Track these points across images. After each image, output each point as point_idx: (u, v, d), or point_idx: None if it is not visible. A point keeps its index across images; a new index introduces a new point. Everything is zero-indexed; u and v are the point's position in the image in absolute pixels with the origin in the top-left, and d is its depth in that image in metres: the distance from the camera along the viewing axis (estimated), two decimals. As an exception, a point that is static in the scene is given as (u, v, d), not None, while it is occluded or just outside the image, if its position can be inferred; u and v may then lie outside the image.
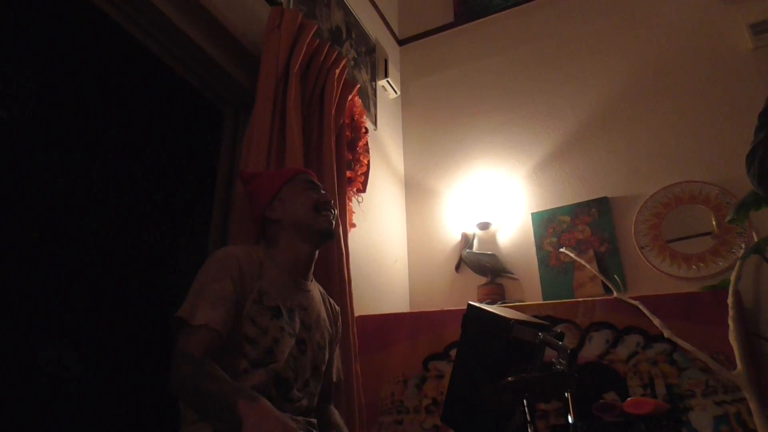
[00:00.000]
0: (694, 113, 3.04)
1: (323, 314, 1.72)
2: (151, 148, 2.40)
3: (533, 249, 3.14)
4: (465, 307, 1.77)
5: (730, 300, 2.24)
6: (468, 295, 3.12)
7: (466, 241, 3.29)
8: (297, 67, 2.34)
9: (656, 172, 3.00)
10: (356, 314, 2.67)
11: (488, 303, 2.90)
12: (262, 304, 1.50)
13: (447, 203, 3.53)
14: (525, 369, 1.58)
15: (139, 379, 1.89)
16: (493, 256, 3.17)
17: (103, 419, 1.76)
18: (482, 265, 3.14)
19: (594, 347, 2.38)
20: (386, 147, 3.59)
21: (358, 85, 2.77)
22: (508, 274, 3.13)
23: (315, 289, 1.74)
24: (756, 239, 2.55)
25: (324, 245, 1.75)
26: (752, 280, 2.58)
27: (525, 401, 1.36)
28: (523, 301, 2.93)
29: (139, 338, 1.97)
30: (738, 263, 2.34)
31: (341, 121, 2.64)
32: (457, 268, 3.31)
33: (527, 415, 1.34)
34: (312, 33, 2.47)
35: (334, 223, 1.72)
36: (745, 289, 2.55)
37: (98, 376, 1.85)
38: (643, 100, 3.20)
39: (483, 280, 3.14)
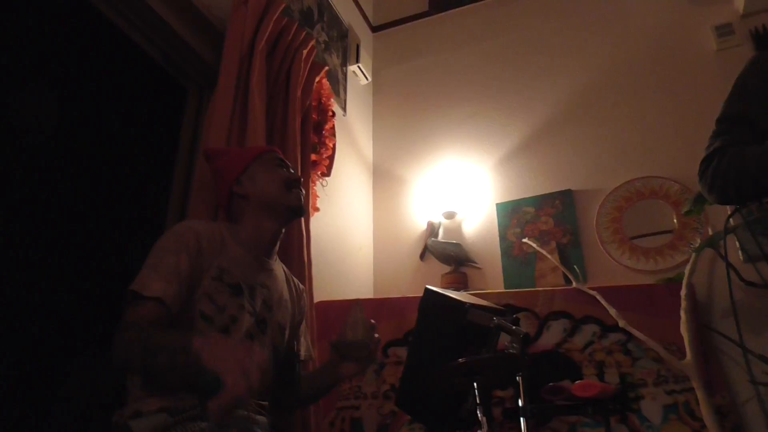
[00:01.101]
0: (658, 111, 3.09)
1: (286, 294, 1.70)
2: (112, 123, 2.35)
3: (497, 239, 3.16)
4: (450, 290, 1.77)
5: (683, 292, 2.29)
6: (432, 283, 3.06)
7: (432, 229, 3.29)
8: (263, 44, 2.30)
9: (620, 166, 3.04)
10: (318, 300, 2.66)
11: (452, 291, 2.91)
12: (221, 281, 1.47)
13: (414, 192, 3.53)
14: (479, 353, 1.59)
15: (92, 355, 1.85)
16: (457, 245, 3.18)
17: (50, 395, 1.72)
18: (447, 253, 3.14)
19: (552, 336, 2.41)
20: (355, 133, 3.57)
21: (327, 67, 2.74)
22: (472, 263, 3.15)
23: (279, 268, 1.71)
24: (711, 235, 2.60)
25: (291, 223, 1.72)
26: (706, 275, 2.64)
27: (476, 384, 1.36)
28: (486, 290, 2.95)
29: (94, 312, 1.93)
30: (692, 257, 2.38)
31: (308, 103, 2.61)
32: (422, 256, 3.31)
33: (477, 398, 1.34)
34: (280, 10, 2.43)
35: (303, 200, 1.71)
36: (699, 283, 2.61)
37: (50, 350, 1.81)
38: (609, 97, 3.24)
39: (447, 268, 3.15)
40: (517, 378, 1.46)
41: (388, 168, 3.68)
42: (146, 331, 1.22)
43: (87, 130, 2.22)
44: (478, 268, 3.14)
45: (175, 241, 1.43)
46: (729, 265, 2.35)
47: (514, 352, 1.44)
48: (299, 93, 2.53)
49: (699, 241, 2.68)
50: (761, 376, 2.17)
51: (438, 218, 3.32)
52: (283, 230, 1.67)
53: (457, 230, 3.31)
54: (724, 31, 3.05)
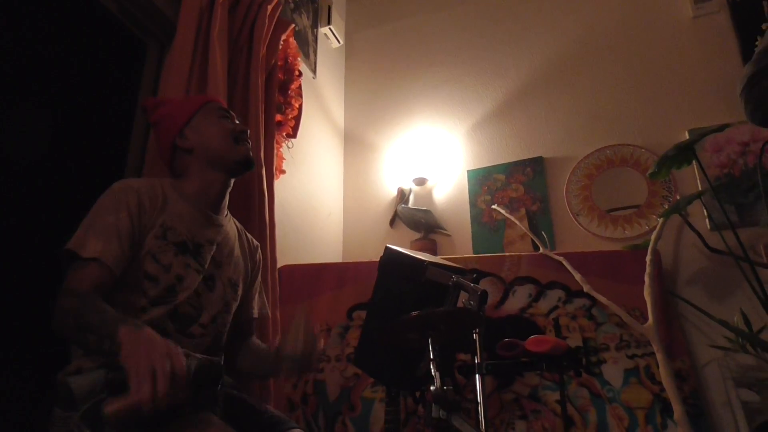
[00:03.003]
0: (632, 78, 3.06)
1: (237, 250, 1.64)
2: (66, 78, 2.25)
3: (467, 206, 3.13)
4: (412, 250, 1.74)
5: (648, 258, 2.28)
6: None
7: (402, 196, 3.25)
8: (224, -2, 2.21)
9: (591, 134, 3.02)
10: (283, 263, 2.62)
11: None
12: (165, 239, 1.41)
13: (385, 158, 3.47)
14: (437, 311, 1.56)
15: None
16: (427, 211, 3.15)
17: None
18: (416, 220, 3.11)
19: (517, 300, 2.39)
20: (326, 97, 3.49)
21: (293, 25, 2.65)
22: (442, 230, 3.12)
23: (229, 223, 1.65)
24: (680, 202, 2.59)
25: (241, 176, 1.65)
26: (673, 242, 2.64)
27: (430, 340, 1.33)
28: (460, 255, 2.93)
29: (43, 273, 1.86)
30: (659, 223, 2.37)
31: (273, 62, 2.53)
32: (392, 222, 3.27)
33: (431, 354, 1.31)
34: (243, -37, 2.34)
35: (251, 153, 1.64)
36: (666, 251, 2.61)
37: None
38: (583, 63, 3.20)
39: (416, 235, 3.12)
40: (474, 335, 1.44)
41: (360, 133, 3.62)
42: (81, 304, 1.17)
43: (41, 85, 2.12)
44: (448, 235, 3.11)
45: (114, 200, 1.37)
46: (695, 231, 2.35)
47: (472, 308, 1.42)
48: (263, 50, 2.45)
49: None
50: (721, 341, 2.18)
51: (408, 184, 3.28)
52: (231, 183, 1.61)
53: (427, 197, 3.28)
54: (700, -2, 3.01)
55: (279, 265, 2.58)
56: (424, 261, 1.59)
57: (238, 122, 1.65)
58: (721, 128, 2.10)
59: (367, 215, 3.37)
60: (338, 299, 2.47)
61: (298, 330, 1.48)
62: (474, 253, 2.98)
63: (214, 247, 1.53)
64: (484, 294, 1.44)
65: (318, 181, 3.21)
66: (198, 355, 1.41)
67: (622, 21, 3.19)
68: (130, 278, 1.34)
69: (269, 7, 2.47)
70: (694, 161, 2.25)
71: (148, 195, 1.42)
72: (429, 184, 3.28)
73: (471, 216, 3.09)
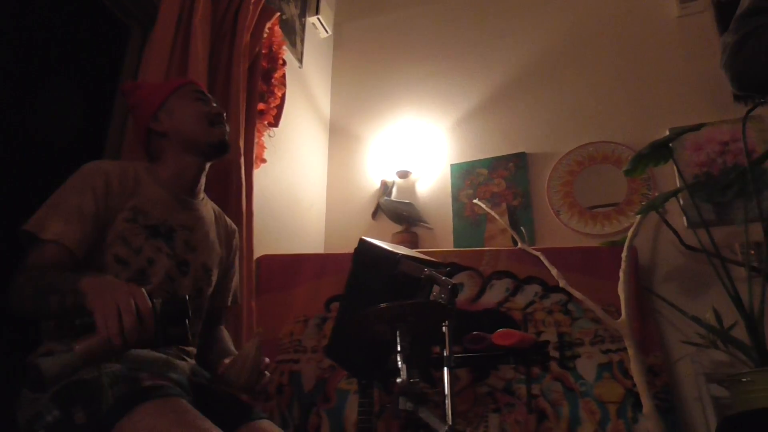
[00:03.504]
0: (616, 75, 3.07)
1: (213, 234, 1.63)
2: (49, 60, 2.22)
3: (449, 200, 3.14)
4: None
5: (624, 254, 2.30)
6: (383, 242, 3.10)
7: (385, 188, 3.25)
8: (207, -18, 2.19)
9: (574, 131, 3.03)
10: (264, 253, 2.62)
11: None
12: (137, 222, 1.40)
13: (370, 149, 3.47)
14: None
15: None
16: (410, 204, 3.15)
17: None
18: (398, 213, 3.11)
19: (494, 294, 2.41)
20: (312, 87, 3.48)
21: (278, 14, 2.64)
22: (423, 223, 3.12)
23: (205, 207, 1.64)
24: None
25: (217, 159, 1.64)
26: (651, 239, 2.66)
27: (399, 332, 1.33)
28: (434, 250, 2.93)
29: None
30: (636, 220, 2.39)
31: (257, 50, 2.52)
32: (374, 215, 3.27)
33: (399, 346, 1.32)
34: (228, -51, 2.32)
35: (227, 137, 1.62)
36: (643, 247, 2.64)
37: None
38: (568, 60, 3.21)
39: (398, 227, 3.12)
40: (443, 328, 1.44)
41: (346, 124, 3.61)
42: (39, 273, 1.17)
43: (21, 66, 2.10)
44: (429, 228, 3.12)
45: (80, 181, 1.36)
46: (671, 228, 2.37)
47: (442, 302, 1.42)
48: (248, 37, 2.44)
49: (646, 206, 2.70)
50: (694, 337, 2.21)
51: (392, 177, 3.28)
52: (207, 167, 1.60)
53: (410, 190, 3.28)
54: (686, -3, 3.02)
55: (258, 255, 2.58)
56: (398, 254, 1.59)
57: (215, 105, 1.63)
58: (698, 127, 2.12)
59: (350, 207, 3.36)
60: (317, 290, 2.47)
61: (244, 362, 1.42)
62: (455, 246, 2.99)
63: (188, 231, 1.53)
64: (455, 288, 1.45)
65: (301, 171, 3.20)
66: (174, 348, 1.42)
67: (608, 19, 3.20)
68: (99, 261, 1.34)
69: (254, -5, 2.46)
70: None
71: (117, 177, 1.42)
72: (412, 177, 3.29)
73: (453, 210, 3.10)
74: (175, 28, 2.08)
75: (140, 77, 2.02)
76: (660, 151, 2.14)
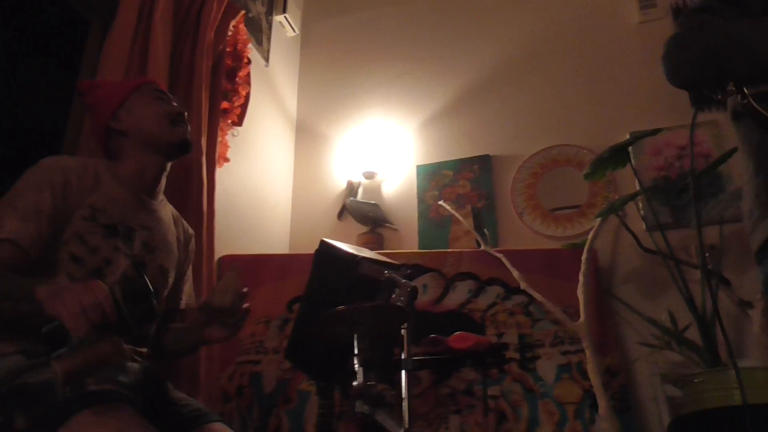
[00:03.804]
0: (579, 80, 3.12)
1: (171, 236, 1.61)
2: (7, 53, 2.16)
3: (415, 201, 3.15)
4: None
5: (583, 257, 2.34)
6: (348, 243, 3.08)
7: (351, 189, 3.24)
8: (169, -21, 2.16)
9: (538, 134, 3.07)
10: (227, 253, 2.59)
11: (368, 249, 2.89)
12: (95, 221, 1.37)
13: (336, 149, 3.45)
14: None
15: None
16: (375, 205, 3.15)
17: None
18: (364, 214, 3.11)
19: (457, 296, 2.43)
20: (278, 86, 3.45)
21: (243, 12, 2.61)
22: (389, 225, 3.13)
23: (164, 209, 1.62)
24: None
25: (178, 158, 1.62)
26: (611, 242, 2.71)
27: (356, 334, 1.33)
28: (399, 251, 2.94)
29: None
30: (596, 223, 2.43)
31: (221, 48, 2.49)
32: (340, 215, 3.26)
33: (356, 349, 1.31)
34: (191, -55, 2.28)
35: (190, 137, 1.60)
36: (604, 249, 2.68)
37: None
38: (533, 64, 3.25)
39: (364, 228, 3.11)
40: (402, 331, 1.44)
41: (312, 124, 3.59)
42: None
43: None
44: (395, 230, 3.12)
45: (38, 177, 1.33)
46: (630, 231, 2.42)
47: (401, 304, 1.42)
48: (212, 35, 2.41)
49: (607, 209, 2.75)
50: (651, 338, 2.25)
51: (358, 178, 3.27)
52: (167, 167, 1.57)
53: (376, 191, 3.28)
54: (647, 3, 3.09)
55: (220, 255, 2.55)
56: (357, 256, 1.59)
57: (175, 104, 1.60)
58: (654, 132, 2.17)
59: (316, 207, 3.35)
60: (279, 291, 2.45)
61: (227, 285, 1.45)
62: (420, 248, 3.00)
63: (147, 232, 1.50)
64: (414, 290, 1.45)
65: (266, 171, 3.17)
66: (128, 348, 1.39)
67: (572, 24, 3.25)
68: (54, 260, 1.31)
69: (218, -8, 2.43)
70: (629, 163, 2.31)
71: (76, 174, 1.39)
72: (378, 178, 3.29)
73: (418, 211, 3.11)
74: (136, 24, 2.05)
75: (100, 72, 1.98)
76: (618, 156, 2.19)
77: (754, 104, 1.11)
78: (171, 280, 1.59)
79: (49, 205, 1.30)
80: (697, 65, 1.20)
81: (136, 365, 1.40)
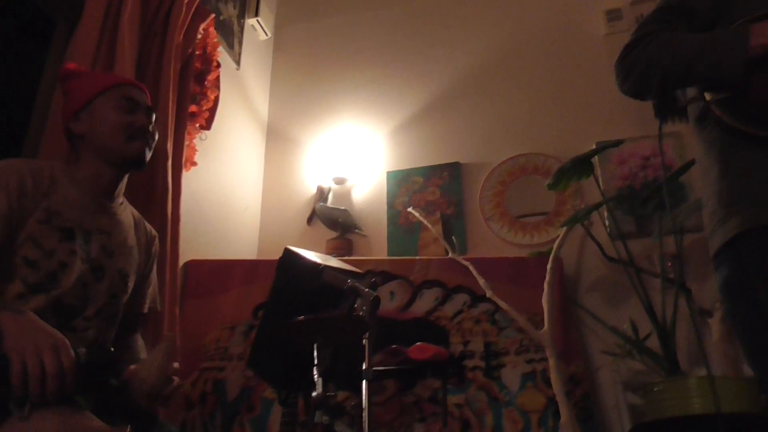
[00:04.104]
0: (548, 89, 3.16)
1: (131, 240, 1.58)
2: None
3: (385, 207, 3.15)
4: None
5: (549, 266, 2.36)
6: (317, 248, 3.07)
7: (321, 194, 3.23)
8: (136, -20, 2.13)
9: (506, 142, 3.10)
10: (193, 257, 2.56)
11: (334, 257, 2.88)
12: (50, 224, 1.35)
13: (307, 154, 3.44)
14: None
15: None
16: (345, 211, 3.14)
17: None
18: (334, 219, 3.10)
19: (424, 303, 2.43)
20: (250, 89, 3.43)
21: (213, 15, 2.59)
22: (358, 231, 3.12)
23: (124, 212, 1.59)
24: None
25: (135, 172, 1.59)
26: (577, 250, 2.75)
27: (316, 344, 1.33)
28: (368, 257, 2.94)
29: None
30: (562, 232, 2.46)
31: (190, 51, 2.46)
32: (309, 220, 3.25)
33: (316, 359, 1.31)
34: (159, -53, 2.26)
35: (148, 152, 1.55)
36: (569, 258, 2.72)
37: None
38: (503, 73, 3.28)
39: (333, 234, 3.11)
40: (363, 341, 1.44)
41: (284, 128, 3.57)
42: None
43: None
44: (364, 236, 3.12)
45: None
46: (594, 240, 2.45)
47: (362, 314, 1.42)
48: (180, 38, 2.38)
49: (574, 218, 2.78)
50: (614, 347, 2.29)
51: (328, 183, 3.26)
52: (125, 177, 1.55)
53: (346, 196, 3.27)
54: (613, 15, 3.14)
55: (186, 259, 2.52)
56: (321, 264, 1.58)
57: (143, 115, 1.53)
58: (617, 143, 2.20)
59: (286, 212, 3.33)
60: (245, 297, 2.43)
61: (151, 364, 1.36)
62: (389, 254, 3.00)
63: (106, 236, 1.48)
64: (377, 300, 1.45)
65: (236, 175, 3.15)
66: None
67: (541, 35, 3.29)
68: (7, 264, 1.28)
69: (187, -5, 2.40)
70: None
71: (32, 176, 1.36)
72: (349, 184, 3.28)
73: (388, 217, 3.11)
74: (102, 26, 2.02)
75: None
76: (582, 166, 2.22)
77: (715, 110, 1.15)
78: (131, 284, 1.56)
79: (4, 208, 1.28)
80: (641, 77, 1.24)
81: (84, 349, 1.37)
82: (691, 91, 1.31)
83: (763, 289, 1.07)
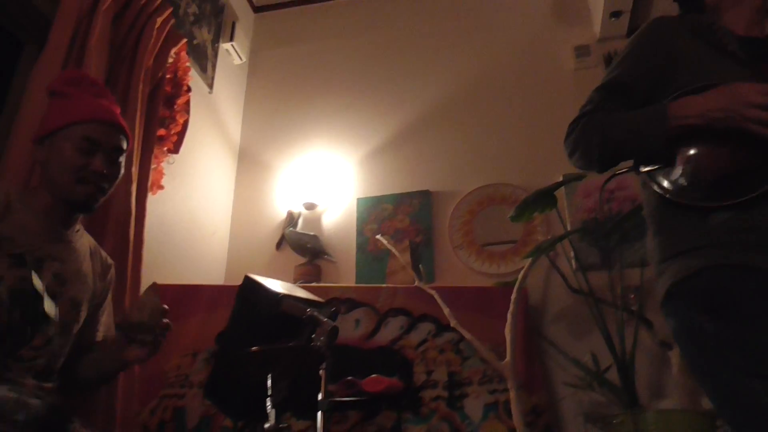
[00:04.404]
0: (516, 121, 3.21)
1: (86, 268, 1.56)
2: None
3: (354, 233, 3.15)
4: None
5: (513, 296, 2.37)
6: (285, 273, 3.07)
7: (291, 219, 3.22)
8: (107, 4, 2.14)
9: (476, 171, 3.13)
10: (157, 281, 2.53)
11: (302, 283, 2.87)
12: (0, 250, 1.33)
13: (278, 179, 3.44)
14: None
15: None
16: (314, 237, 3.14)
17: None
18: (303, 245, 3.09)
19: (389, 332, 2.42)
20: (222, 113, 3.43)
21: (185, 40, 2.60)
22: (327, 257, 3.12)
23: (81, 240, 1.57)
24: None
25: (84, 214, 1.57)
26: (543, 281, 2.77)
27: (270, 375, 1.32)
28: (337, 284, 2.93)
29: None
30: (527, 263, 2.48)
31: (160, 75, 2.47)
32: (278, 245, 3.24)
33: (269, 390, 1.30)
34: (131, -28, 2.27)
35: (101, 196, 1.50)
36: (535, 288, 2.74)
37: None
38: (473, 103, 3.33)
39: (302, 259, 3.10)
40: (320, 372, 1.43)
41: (255, 152, 3.58)
42: None
43: None
44: (333, 262, 3.12)
45: None
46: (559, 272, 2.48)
47: (320, 344, 1.42)
48: (150, 62, 2.39)
49: (541, 248, 2.81)
50: (574, 378, 2.30)
51: (299, 208, 3.26)
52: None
53: (316, 222, 3.27)
54: (582, 51, 3.22)
55: (149, 283, 2.49)
56: (279, 293, 1.58)
57: (102, 158, 1.47)
58: (580, 177, 2.25)
59: (255, 236, 3.32)
60: (209, 323, 2.40)
61: (144, 301, 1.45)
62: (357, 281, 2.99)
63: (59, 263, 1.46)
64: (335, 330, 1.45)
65: (205, 198, 3.13)
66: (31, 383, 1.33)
67: (512, 68, 3.36)
68: None
69: (159, 20, 2.42)
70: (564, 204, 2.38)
71: None
72: (319, 209, 3.28)
73: (357, 244, 3.12)
74: (68, 48, 2.02)
75: (27, 97, 1.93)
76: (544, 199, 2.26)
77: (647, 179, 1.25)
78: (83, 313, 1.54)
79: None
80: (581, 157, 1.36)
81: (37, 401, 1.34)
82: None
83: (708, 322, 1.12)
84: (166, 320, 1.46)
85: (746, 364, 1.04)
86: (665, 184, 1.21)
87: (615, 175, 2.27)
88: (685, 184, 1.18)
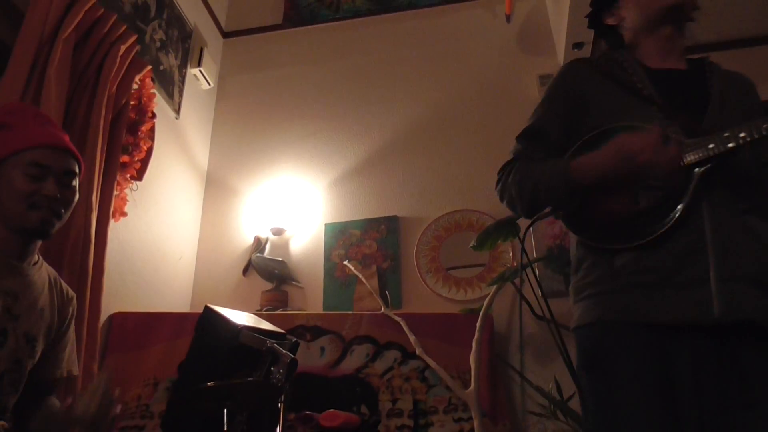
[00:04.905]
0: (483, 148, 3.26)
1: (43, 302, 1.51)
2: None
3: (322, 259, 3.14)
4: (240, 311, 1.70)
5: (478, 324, 2.38)
6: (252, 299, 3.05)
7: (258, 244, 3.21)
8: (68, 32, 2.13)
9: (443, 198, 3.16)
10: (119, 310, 2.49)
11: (269, 309, 2.85)
12: None
13: (246, 204, 3.43)
14: (249, 376, 1.54)
15: None
16: (282, 262, 3.12)
17: None
18: (270, 270, 3.07)
19: (354, 360, 2.41)
20: (189, 138, 3.41)
21: (149, 67, 2.60)
22: (295, 282, 3.10)
23: (38, 272, 1.51)
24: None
25: (40, 240, 1.52)
26: (509, 308, 2.79)
27: (225, 410, 1.30)
28: (305, 310, 2.91)
29: None
30: (492, 290, 2.50)
31: (123, 101, 2.45)
32: (245, 271, 3.21)
33: (225, 425, 1.28)
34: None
35: (56, 221, 1.46)
36: (501, 315, 2.75)
37: None
38: (440, 131, 3.37)
39: (269, 285, 3.07)
40: (279, 405, 1.42)
41: (223, 177, 3.56)
42: None
43: None
44: (300, 288, 3.10)
45: None
46: (523, 298, 2.50)
47: (278, 378, 1.41)
48: (114, 89, 2.37)
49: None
50: (537, 406, 2.31)
51: (266, 233, 3.24)
52: (34, 241, 1.49)
53: (284, 247, 3.25)
54: (546, 80, 3.28)
55: (111, 311, 2.45)
56: (238, 325, 1.56)
57: (53, 183, 1.44)
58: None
59: (221, 262, 3.28)
60: (171, 352, 2.36)
61: (95, 391, 1.36)
62: (324, 307, 2.98)
63: (11, 298, 1.42)
64: (294, 363, 1.44)
65: (171, 224, 3.10)
66: None
67: (479, 95, 3.42)
68: None
69: (122, 47, 2.41)
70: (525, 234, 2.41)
71: None
72: (287, 235, 3.27)
73: (324, 269, 3.11)
74: (27, 77, 1.99)
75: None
76: (505, 228, 2.28)
77: (564, 223, 1.34)
78: (39, 348, 1.50)
79: None
80: (508, 203, 1.44)
81: None
82: None
83: (584, 377, 1.25)
84: (115, 412, 1.40)
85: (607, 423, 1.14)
86: (579, 227, 1.30)
87: (537, 219, 2.34)
88: (594, 227, 1.26)
